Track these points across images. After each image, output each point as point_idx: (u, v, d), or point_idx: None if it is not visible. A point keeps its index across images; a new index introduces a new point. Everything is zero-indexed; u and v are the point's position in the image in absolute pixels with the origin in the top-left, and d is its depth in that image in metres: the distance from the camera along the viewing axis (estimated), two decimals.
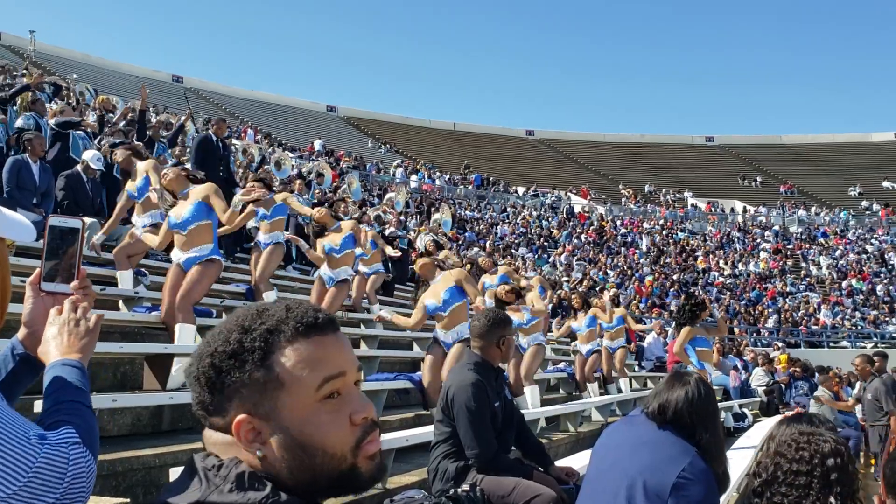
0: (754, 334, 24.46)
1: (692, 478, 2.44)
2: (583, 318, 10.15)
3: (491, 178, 41.84)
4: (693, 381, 2.71)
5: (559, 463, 4.35)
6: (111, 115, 12.64)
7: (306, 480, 1.01)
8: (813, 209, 40.94)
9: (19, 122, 9.24)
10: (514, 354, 7.54)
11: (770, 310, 26.62)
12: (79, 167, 8.47)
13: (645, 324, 16.32)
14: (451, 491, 3.44)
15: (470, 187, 38.04)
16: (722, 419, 8.50)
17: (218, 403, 1.01)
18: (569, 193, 41.50)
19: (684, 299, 8.11)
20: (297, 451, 1.00)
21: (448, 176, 39.30)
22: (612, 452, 2.71)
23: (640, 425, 2.70)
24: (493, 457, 3.67)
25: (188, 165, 10.51)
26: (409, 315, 6.98)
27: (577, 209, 37.34)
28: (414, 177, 35.31)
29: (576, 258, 29.03)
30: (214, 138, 10.42)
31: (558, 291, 15.97)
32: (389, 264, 13.69)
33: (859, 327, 25.62)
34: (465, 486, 3.42)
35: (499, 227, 31.83)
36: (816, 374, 12.51)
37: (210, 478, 0.98)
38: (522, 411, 5.03)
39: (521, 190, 41.34)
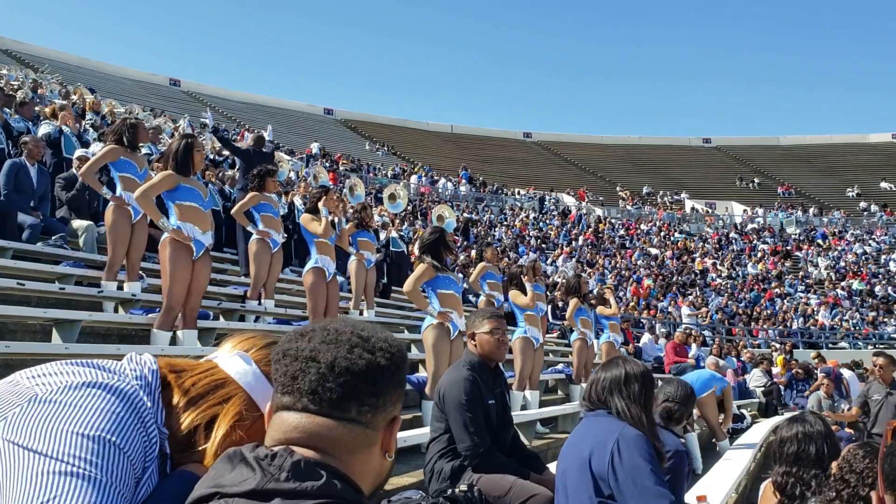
0: (751, 335, 24.47)
1: (624, 446, 2.48)
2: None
3: (482, 179, 41.89)
4: (625, 360, 2.85)
5: (556, 464, 4.35)
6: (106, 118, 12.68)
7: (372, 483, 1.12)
8: (811, 210, 40.99)
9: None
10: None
11: (768, 311, 26.66)
12: (73, 169, 8.46)
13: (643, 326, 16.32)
14: (449, 491, 3.43)
15: (465, 189, 38.05)
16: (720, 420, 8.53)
17: (382, 406, 1.10)
18: (561, 194, 41.54)
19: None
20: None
21: (445, 178, 39.32)
22: (567, 454, 2.77)
23: (591, 420, 2.76)
24: (485, 452, 3.64)
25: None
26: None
27: (573, 211, 37.39)
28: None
29: (573, 259, 29.04)
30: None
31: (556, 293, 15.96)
32: (385, 267, 13.71)
33: (857, 328, 25.64)
34: (463, 486, 3.42)
35: (496, 229, 31.85)
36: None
37: (264, 467, 0.99)
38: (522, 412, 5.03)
39: (520, 192, 41.36)
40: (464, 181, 39.22)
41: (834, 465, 2.74)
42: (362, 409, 1.06)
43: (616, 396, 2.74)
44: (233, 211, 8.11)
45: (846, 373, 13.12)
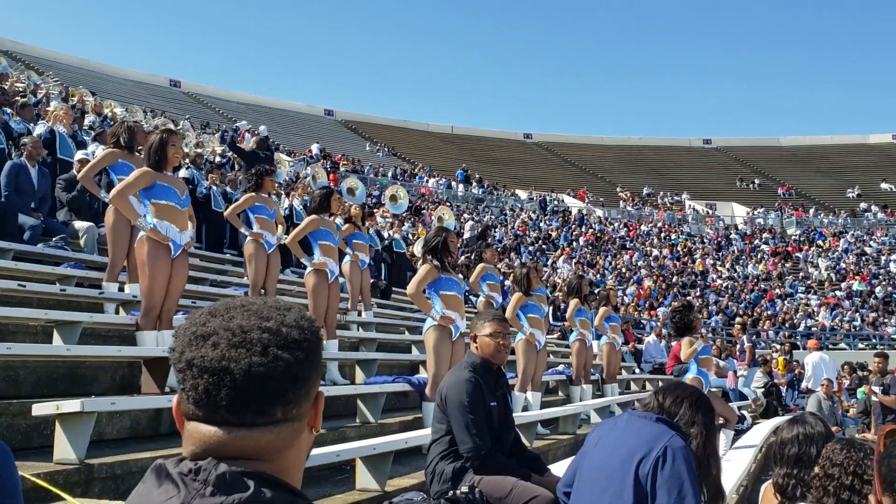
0: (753, 336, 24.44)
1: (670, 455, 2.48)
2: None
3: (479, 177, 41.90)
4: (696, 389, 2.84)
5: (557, 465, 4.36)
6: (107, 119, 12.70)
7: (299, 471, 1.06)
8: (811, 211, 40.99)
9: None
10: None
11: (768, 312, 26.65)
12: (74, 170, 8.46)
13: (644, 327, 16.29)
14: (450, 493, 3.43)
15: (465, 190, 38.05)
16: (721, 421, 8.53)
17: (306, 395, 1.04)
18: (562, 195, 41.56)
19: (672, 311, 8.18)
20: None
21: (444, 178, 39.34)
22: (601, 450, 2.73)
23: (638, 420, 2.73)
24: (486, 453, 3.64)
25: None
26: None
27: (574, 211, 37.41)
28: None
29: (574, 260, 29.05)
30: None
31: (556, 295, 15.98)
32: (384, 268, 13.72)
33: (857, 329, 25.64)
34: (464, 488, 3.42)
35: (496, 230, 31.86)
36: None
37: (188, 483, 0.95)
38: (521, 413, 5.03)
39: (521, 193, 41.37)
40: (460, 181, 39.20)
41: (817, 467, 2.80)
42: (287, 408, 1.01)
43: (688, 412, 2.74)
44: (226, 213, 8.10)
45: (814, 356, 12.88)
